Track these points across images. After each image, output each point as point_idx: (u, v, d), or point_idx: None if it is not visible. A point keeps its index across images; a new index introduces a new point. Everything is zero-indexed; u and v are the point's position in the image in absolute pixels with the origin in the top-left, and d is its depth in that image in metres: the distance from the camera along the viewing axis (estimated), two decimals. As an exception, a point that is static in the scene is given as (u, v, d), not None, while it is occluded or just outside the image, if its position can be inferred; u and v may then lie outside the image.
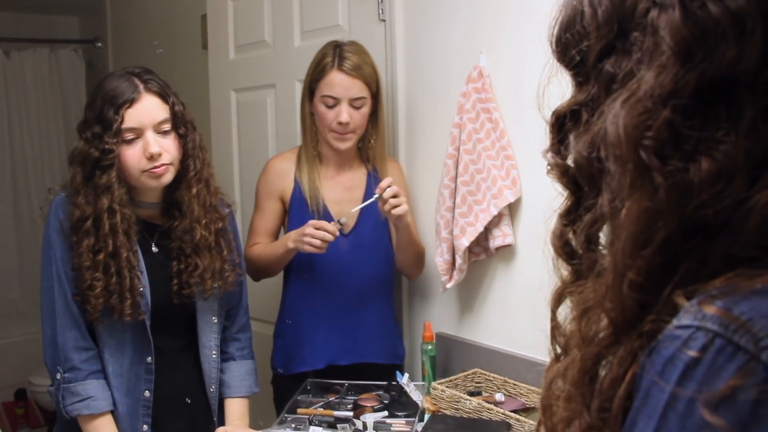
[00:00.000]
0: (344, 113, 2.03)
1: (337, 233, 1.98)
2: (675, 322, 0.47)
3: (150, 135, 1.64)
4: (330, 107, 2.04)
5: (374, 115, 2.12)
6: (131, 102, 1.62)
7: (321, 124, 2.08)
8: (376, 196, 1.97)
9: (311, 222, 1.98)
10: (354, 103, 2.04)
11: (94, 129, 1.62)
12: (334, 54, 2.04)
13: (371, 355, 2.16)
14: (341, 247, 2.09)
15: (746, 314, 0.44)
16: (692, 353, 0.44)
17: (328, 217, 2.11)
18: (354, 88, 2.03)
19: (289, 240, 2.03)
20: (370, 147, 2.16)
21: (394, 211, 1.96)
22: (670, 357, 0.45)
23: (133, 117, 1.62)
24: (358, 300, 2.14)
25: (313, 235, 1.95)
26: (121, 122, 1.61)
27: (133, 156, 1.63)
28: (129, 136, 1.63)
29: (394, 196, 1.95)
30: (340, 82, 2.03)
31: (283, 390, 2.14)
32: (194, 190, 1.73)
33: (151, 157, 1.64)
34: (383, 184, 1.96)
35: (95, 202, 1.62)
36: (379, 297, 2.19)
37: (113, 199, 1.62)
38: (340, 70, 2.02)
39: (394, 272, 2.25)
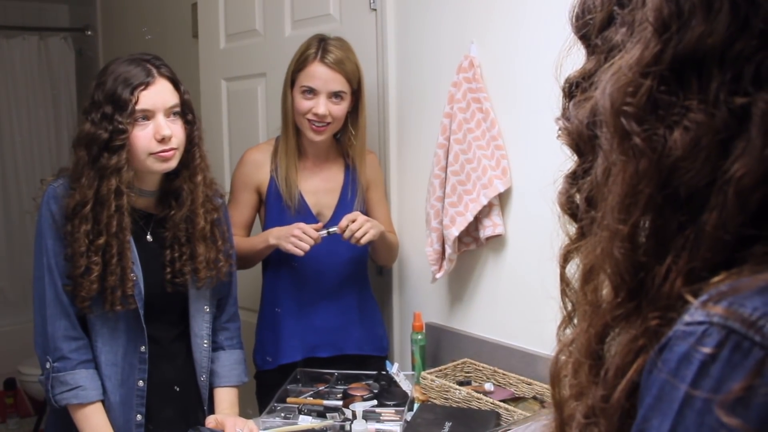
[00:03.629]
0: (321, 106, 2.02)
1: (320, 240, 2.01)
2: (686, 318, 0.46)
3: (161, 118, 1.65)
4: (308, 98, 2.04)
5: (355, 112, 2.12)
6: (146, 84, 1.63)
7: (297, 114, 2.07)
8: (334, 229, 2.01)
9: (299, 225, 2.01)
10: (333, 97, 2.04)
11: (104, 109, 1.61)
12: (318, 46, 2.04)
13: (351, 347, 2.17)
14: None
15: (760, 310, 0.43)
16: (707, 350, 0.44)
17: (304, 208, 2.13)
18: (334, 81, 2.02)
19: (271, 236, 2.05)
20: (350, 145, 2.15)
21: (363, 240, 2.01)
22: (684, 354, 0.45)
23: (147, 99, 1.64)
24: (337, 290, 2.15)
25: (300, 238, 1.98)
26: (136, 103, 1.62)
27: (143, 137, 1.64)
28: (141, 117, 1.64)
29: (359, 226, 2.01)
30: (320, 75, 2.02)
31: (266, 385, 2.15)
32: (199, 178, 1.74)
33: (162, 140, 1.65)
34: (342, 223, 2.00)
35: (99, 185, 1.61)
36: (357, 288, 2.20)
37: (121, 181, 1.62)
38: (322, 62, 2.02)
39: (369, 262, 2.27)
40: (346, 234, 2.00)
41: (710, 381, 0.43)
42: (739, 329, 0.43)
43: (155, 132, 1.64)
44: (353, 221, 2.01)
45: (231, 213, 2.12)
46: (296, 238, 1.99)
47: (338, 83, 2.03)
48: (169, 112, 1.67)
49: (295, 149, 2.13)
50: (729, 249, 0.48)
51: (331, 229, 2.02)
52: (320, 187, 2.17)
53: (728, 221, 0.47)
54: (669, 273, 0.49)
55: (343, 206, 2.15)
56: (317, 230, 2.01)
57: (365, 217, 2.04)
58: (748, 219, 0.47)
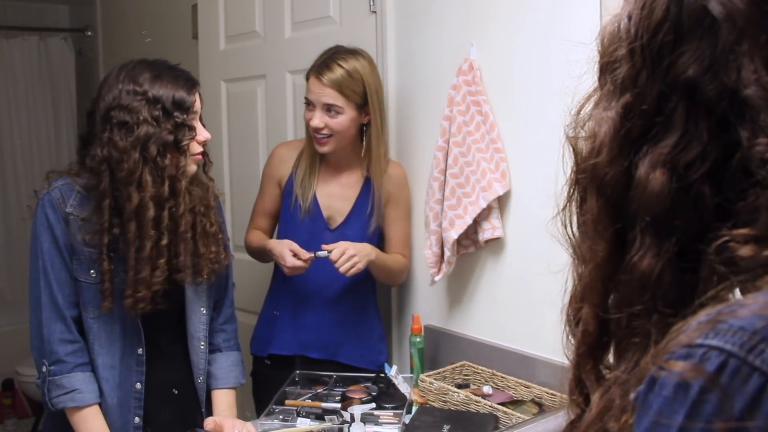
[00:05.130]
0: (316, 118, 2.05)
1: (308, 264, 2.02)
2: (684, 339, 0.45)
3: (198, 121, 1.68)
4: (309, 110, 2.07)
5: (370, 126, 2.11)
6: (197, 88, 1.66)
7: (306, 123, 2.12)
8: (325, 253, 2.01)
9: (291, 247, 2.02)
10: (328, 110, 2.04)
11: (166, 110, 1.58)
12: (324, 59, 2.06)
13: (344, 356, 2.16)
14: (326, 241, 2.11)
15: (760, 333, 0.42)
16: (706, 375, 0.42)
17: (316, 210, 2.14)
18: (326, 96, 2.03)
19: (273, 251, 2.08)
20: (366, 156, 2.15)
21: (348, 273, 2.00)
22: (682, 379, 0.43)
23: (198, 101, 1.66)
24: (338, 296, 2.15)
25: (292, 269, 2.02)
26: (194, 103, 1.64)
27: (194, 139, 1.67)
28: (194, 119, 1.65)
29: (347, 259, 1.99)
30: (313, 88, 2.05)
31: (261, 380, 2.17)
32: (204, 178, 1.77)
33: (203, 143, 1.68)
34: (334, 255, 1.99)
35: (162, 186, 1.58)
36: (360, 298, 2.18)
37: (186, 180, 1.63)
38: (316, 77, 2.04)
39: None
40: (337, 264, 2.00)
41: (709, 407, 0.42)
42: (738, 353, 0.42)
43: (198, 134, 1.66)
44: (342, 253, 2.00)
45: (257, 203, 2.26)
46: (283, 262, 2.02)
47: (330, 97, 2.03)
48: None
49: (315, 157, 2.15)
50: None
51: (319, 253, 2.01)
52: (335, 192, 2.18)
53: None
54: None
55: (356, 215, 2.15)
56: (305, 258, 2.02)
57: (353, 250, 2.01)
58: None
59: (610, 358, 0.57)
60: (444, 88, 2.06)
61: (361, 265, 2.01)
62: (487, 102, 1.99)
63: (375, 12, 2.29)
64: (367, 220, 2.14)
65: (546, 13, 1.85)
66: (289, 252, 2.01)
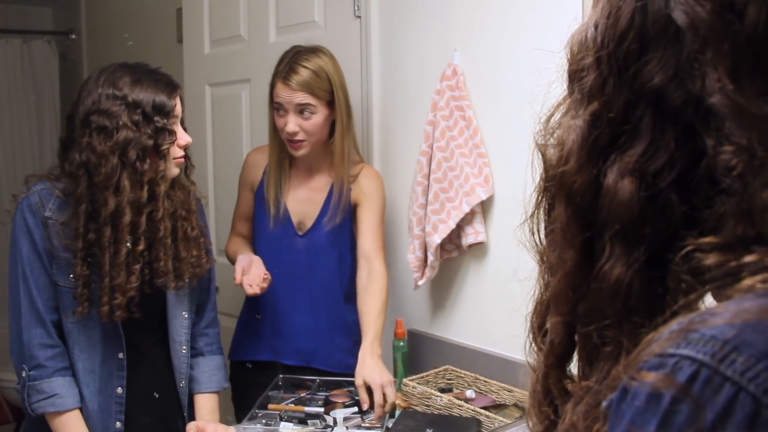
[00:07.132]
0: (290, 123, 2.01)
1: (262, 289, 2.00)
2: (656, 349, 0.44)
3: (179, 125, 1.68)
4: (280, 115, 2.03)
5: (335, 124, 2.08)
6: (177, 92, 1.66)
7: (277, 129, 2.08)
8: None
9: (251, 270, 2.02)
10: (302, 112, 2.01)
11: (146, 114, 1.58)
12: (288, 63, 2.02)
13: (318, 361, 2.13)
14: (296, 247, 2.11)
15: (731, 342, 0.42)
16: (677, 385, 0.42)
17: (286, 218, 2.13)
18: (297, 97, 1.99)
19: (238, 264, 2.07)
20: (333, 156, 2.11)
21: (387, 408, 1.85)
22: (654, 390, 0.43)
23: (178, 105, 1.66)
24: (309, 302, 2.13)
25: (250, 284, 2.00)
26: (174, 107, 1.64)
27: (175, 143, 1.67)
28: (174, 123, 1.65)
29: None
30: (282, 93, 2.01)
31: (238, 385, 2.17)
32: (186, 182, 1.77)
33: (184, 147, 1.68)
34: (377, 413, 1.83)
35: (140, 191, 1.57)
36: (332, 303, 2.15)
37: (166, 185, 1.63)
38: (284, 83, 2.00)
39: (350, 280, 2.14)
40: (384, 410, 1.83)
41: (681, 418, 0.42)
42: (710, 363, 0.42)
43: (179, 138, 1.66)
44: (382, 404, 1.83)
45: (235, 209, 2.27)
46: (241, 278, 2.01)
47: (302, 98, 1.99)
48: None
49: (278, 160, 2.13)
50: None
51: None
52: (305, 196, 2.15)
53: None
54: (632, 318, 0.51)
55: (323, 219, 2.12)
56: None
57: (387, 390, 1.84)
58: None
59: (572, 368, 0.57)
60: (428, 92, 2.07)
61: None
62: (471, 107, 2.00)
63: (359, 17, 2.30)
64: (333, 221, 2.10)
65: (529, 18, 1.86)
66: (240, 270, 2.02)
